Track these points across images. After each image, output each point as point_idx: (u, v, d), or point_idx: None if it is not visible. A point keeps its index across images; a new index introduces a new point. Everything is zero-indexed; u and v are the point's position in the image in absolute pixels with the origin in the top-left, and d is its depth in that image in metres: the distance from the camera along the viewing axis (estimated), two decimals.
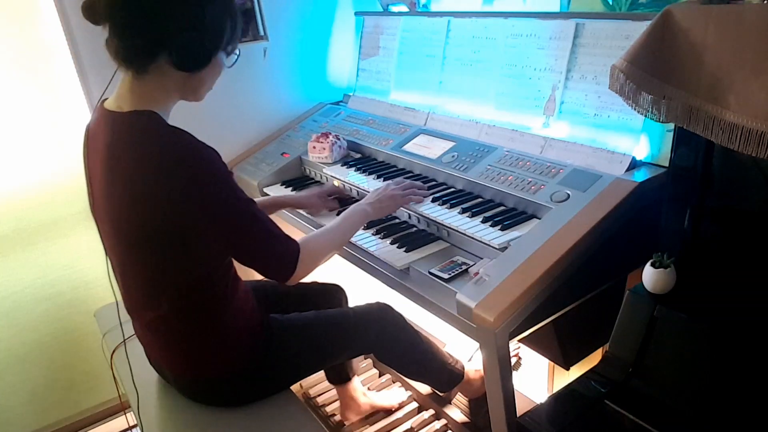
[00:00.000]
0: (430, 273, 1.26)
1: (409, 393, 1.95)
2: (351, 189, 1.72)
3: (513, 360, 1.75)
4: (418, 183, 1.55)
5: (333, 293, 1.68)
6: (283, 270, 1.18)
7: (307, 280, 1.26)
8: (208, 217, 1.09)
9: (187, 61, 1.09)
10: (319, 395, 1.97)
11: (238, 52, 1.20)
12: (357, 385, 1.80)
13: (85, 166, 1.21)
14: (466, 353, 1.79)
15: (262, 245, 1.15)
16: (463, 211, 1.41)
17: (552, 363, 1.66)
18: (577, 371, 1.37)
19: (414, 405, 1.89)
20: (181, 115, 1.19)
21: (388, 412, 1.88)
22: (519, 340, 1.54)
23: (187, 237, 1.11)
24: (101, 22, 1.07)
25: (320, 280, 1.69)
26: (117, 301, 1.30)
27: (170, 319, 1.20)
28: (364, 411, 1.84)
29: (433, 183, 1.61)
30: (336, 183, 1.76)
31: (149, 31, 1.05)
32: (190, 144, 1.07)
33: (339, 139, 1.89)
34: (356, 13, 2.18)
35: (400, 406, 1.90)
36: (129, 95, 1.11)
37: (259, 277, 1.23)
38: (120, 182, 1.10)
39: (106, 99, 1.18)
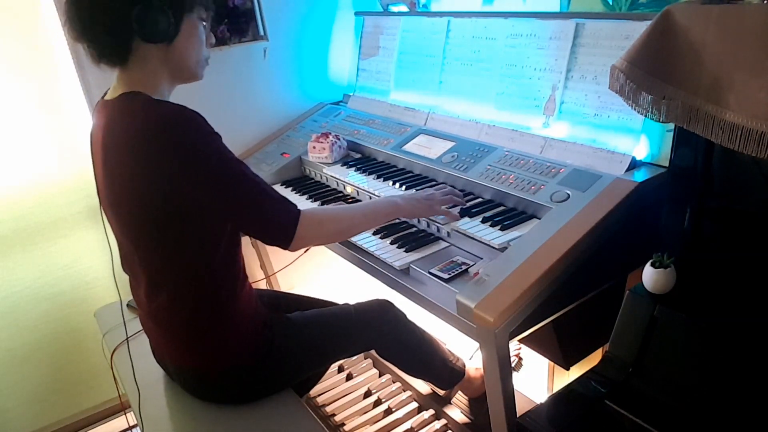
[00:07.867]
0: (430, 273, 1.26)
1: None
2: (352, 190, 1.72)
3: (513, 360, 1.75)
4: (457, 191, 1.47)
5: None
6: (282, 232, 1.15)
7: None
8: (198, 181, 1.08)
9: (154, 30, 1.08)
10: (319, 395, 1.97)
11: (206, 22, 1.18)
12: None
13: (92, 160, 1.23)
14: (466, 353, 1.79)
15: (256, 205, 1.13)
16: (463, 211, 1.41)
17: (552, 363, 1.66)
18: (577, 371, 1.37)
19: (414, 405, 1.89)
20: None
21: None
22: (519, 340, 1.54)
23: (186, 212, 1.11)
24: (75, 36, 1.09)
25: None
26: (121, 300, 1.29)
27: (176, 308, 1.21)
28: None
29: (433, 183, 1.60)
30: (350, 189, 1.75)
31: (110, 22, 1.06)
32: (171, 111, 1.07)
33: (339, 139, 1.89)
34: (356, 13, 2.18)
35: None
36: (120, 85, 1.14)
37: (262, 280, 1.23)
38: (117, 165, 1.12)
39: (106, 94, 1.21)
